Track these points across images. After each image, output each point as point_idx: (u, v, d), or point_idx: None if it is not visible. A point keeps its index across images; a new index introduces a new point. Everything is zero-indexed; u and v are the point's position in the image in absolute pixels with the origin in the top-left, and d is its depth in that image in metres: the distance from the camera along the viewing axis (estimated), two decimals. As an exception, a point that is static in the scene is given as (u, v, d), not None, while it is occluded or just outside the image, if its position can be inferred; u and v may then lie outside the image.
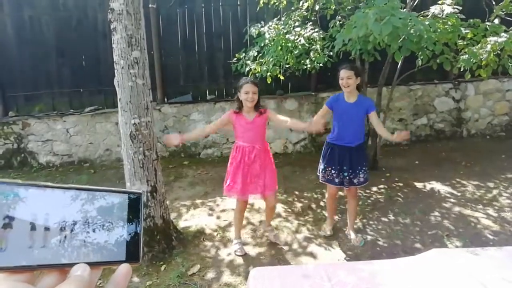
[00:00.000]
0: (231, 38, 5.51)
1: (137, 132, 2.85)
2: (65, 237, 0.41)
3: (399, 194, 3.99)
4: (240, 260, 2.94)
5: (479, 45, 3.27)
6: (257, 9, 4.81)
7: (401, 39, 3.10)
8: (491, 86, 5.73)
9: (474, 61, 3.25)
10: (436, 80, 5.67)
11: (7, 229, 0.38)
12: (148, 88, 2.92)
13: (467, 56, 3.31)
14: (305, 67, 4.21)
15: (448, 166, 4.66)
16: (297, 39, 4.02)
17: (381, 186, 4.20)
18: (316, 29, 4.18)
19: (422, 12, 3.52)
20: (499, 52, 3.23)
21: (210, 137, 5.53)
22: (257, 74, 4.31)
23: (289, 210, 3.77)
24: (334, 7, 4.19)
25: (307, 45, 4.04)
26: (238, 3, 5.46)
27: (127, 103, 2.83)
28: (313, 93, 5.47)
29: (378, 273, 1.67)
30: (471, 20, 3.46)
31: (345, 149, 2.98)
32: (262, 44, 4.29)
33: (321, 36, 4.12)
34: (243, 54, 4.57)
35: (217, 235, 3.34)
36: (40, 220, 0.40)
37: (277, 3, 4.49)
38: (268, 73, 4.17)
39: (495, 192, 3.89)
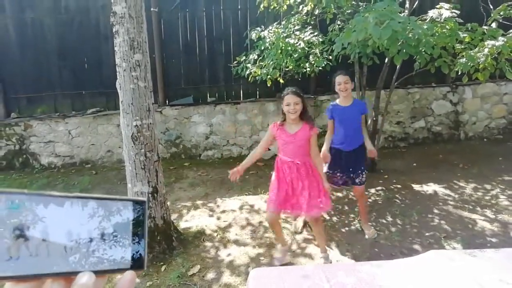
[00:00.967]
0: (232, 41, 5.56)
1: (138, 134, 2.89)
2: (71, 245, 0.42)
3: (397, 196, 4.02)
4: (240, 261, 2.97)
5: (477, 48, 3.29)
6: (258, 13, 4.86)
7: (399, 43, 3.14)
8: (488, 90, 5.77)
9: (472, 64, 3.27)
10: (434, 83, 5.72)
11: (19, 239, 0.39)
12: (150, 91, 2.95)
13: (464, 59, 3.33)
14: (305, 70, 4.25)
15: (446, 168, 4.70)
16: (296, 42, 4.07)
17: (379, 188, 4.23)
18: (316, 33, 4.23)
19: (420, 16, 3.56)
20: (496, 55, 3.26)
21: (211, 138, 5.57)
22: (257, 77, 4.36)
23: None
24: (333, 11, 4.23)
25: (306, 48, 4.09)
26: (239, 7, 5.51)
27: (129, 105, 2.86)
28: (312, 96, 5.51)
29: (376, 274, 1.67)
30: (469, 24, 3.50)
31: (350, 152, 3.16)
32: (262, 48, 4.33)
33: (320, 40, 4.17)
34: (244, 58, 4.61)
35: (217, 236, 3.37)
36: (47, 229, 0.41)
37: (277, 8, 4.54)
38: (268, 76, 4.23)
39: (492, 194, 3.92)
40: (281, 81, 4.46)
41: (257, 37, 4.45)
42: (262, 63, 4.29)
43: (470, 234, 3.19)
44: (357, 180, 3.17)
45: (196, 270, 2.86)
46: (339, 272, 1.72)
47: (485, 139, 5.79)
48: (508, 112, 5.87)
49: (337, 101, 3.22)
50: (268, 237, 3.29)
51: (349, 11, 4.14)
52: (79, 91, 5.48)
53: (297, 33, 4.21)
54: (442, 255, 1.82)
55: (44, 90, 5.40)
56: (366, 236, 3.23)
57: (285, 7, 4.55)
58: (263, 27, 4.53)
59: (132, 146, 2.90)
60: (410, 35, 3.05)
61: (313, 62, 4.12)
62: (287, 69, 4.26)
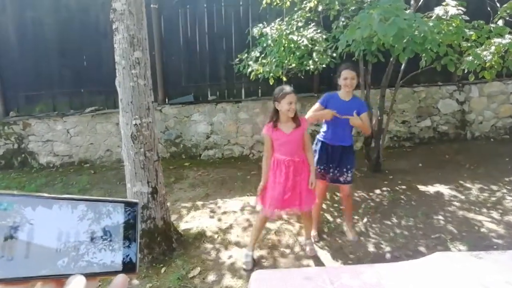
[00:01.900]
0: (233, 38, 5.48)
1: (138, 133, 2.83)
2: (61, 247, 0.41)
3: (402, 196, 3.95)
4: (241, 263, 2.91)
5: (483, 46, 3.25)
6: (260, 10, 4.79)
7: (405, 40, 3.08)
8: (495, 88, 5.69)
9: (478, 63, 3.24)
10: (440, 82, 5.63)
11: (7, 241, 0.38)
12: (150, 89, 2.90)
13: (471, 57, 3.29)
14: (308, 68, 4.18)
15: (452, 168, 4.62)
16: (300, 39, 4.00)
17: (384, 188, 4.16)
18: (319, 30, 4.16)
19: (426, 14, 3.50)
20: (503, 54, 3.22)
21: (212, 138, 5.50)
22: (259, 75, 4.29)
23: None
24: (337, 8, 4.16)
25: (310, 46, 4.02)
26: (241, 3, 5.43)
27: (128, 104, 2.81)
28: (316, 94, 5.44)
29: (381, 276, 1.66)
30: (475, 22, 3.44)
31: (337, 148, 3.07)
32: (264, 45, 4.26)
33: (324, 37, 4.10)
34: (246, 55, 4.54)
35: (218, 237, 3.31)
36: (37, 231, 0.40)
37: (280, 4, 4.47)
38: (271, 74, 4.15)
39: (499, 195, 3.85)
40: (284, 79, 4.39)
41: (259, 34, 4.38)
42: (264, 61, 4.22)
43: (476, 236, 3.13)
44: (341, 179, 3.09)
45: (196, 272, 2.81)
46: (343, 274, 1.70)
47: (491, 139, 5.71)
48: (514, 111, 5.79)
49: (338, 93, 3.10)
50: (269, 239, 3.23)
51: (353, 7, 4.07)
52: (78, 89, 5.42)
53: (300, 29, 4.13)
54: (447, 257, 1.82)
55: (42, 89, 5.36)
56: (350, 238, 3.17)
57: (288, 3, 4.48)
58: (265, 23, 4.45)
59: (132, 146, 2.85)
60: (416, 32, 2.98)
61: (316, 59, 4.05)
62: (290, 67, 4.19)
